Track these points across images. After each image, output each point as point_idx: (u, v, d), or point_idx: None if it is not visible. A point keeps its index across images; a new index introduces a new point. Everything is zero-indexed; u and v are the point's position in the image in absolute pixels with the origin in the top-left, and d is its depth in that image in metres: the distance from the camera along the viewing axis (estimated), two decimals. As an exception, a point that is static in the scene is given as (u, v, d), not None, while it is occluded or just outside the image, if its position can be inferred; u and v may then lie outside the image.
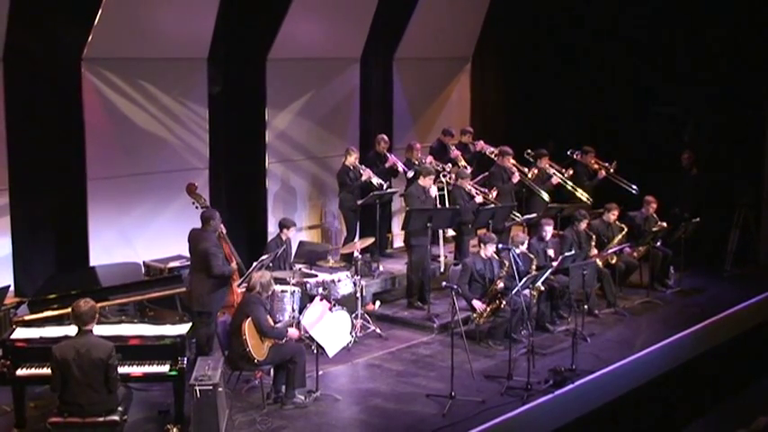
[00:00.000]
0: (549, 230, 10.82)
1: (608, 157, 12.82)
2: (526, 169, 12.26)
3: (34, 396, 7.89)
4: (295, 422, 7.97)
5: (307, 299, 9.70)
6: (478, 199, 11.32)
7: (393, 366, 9.45)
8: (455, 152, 12.65)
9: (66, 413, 6.83)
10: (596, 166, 12.79)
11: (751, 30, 13.06)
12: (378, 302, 11.13)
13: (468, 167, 12.33)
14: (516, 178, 12.01)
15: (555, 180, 12.34)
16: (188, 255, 9.78)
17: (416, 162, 12.06)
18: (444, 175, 12.15)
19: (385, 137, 12.34)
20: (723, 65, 13.22)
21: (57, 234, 10.19)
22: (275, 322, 8.45)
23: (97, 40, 10.02)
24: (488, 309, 9.90)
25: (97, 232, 10.40)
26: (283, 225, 10.45)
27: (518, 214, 11.91)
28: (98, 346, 6.81)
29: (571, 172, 12.59)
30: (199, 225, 9.17)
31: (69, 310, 7.03)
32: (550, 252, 10.64)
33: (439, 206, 11.62)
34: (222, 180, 11.52)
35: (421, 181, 11.04)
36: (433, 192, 11.07)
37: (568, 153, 12.91)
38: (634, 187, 12.41)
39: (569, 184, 12.45)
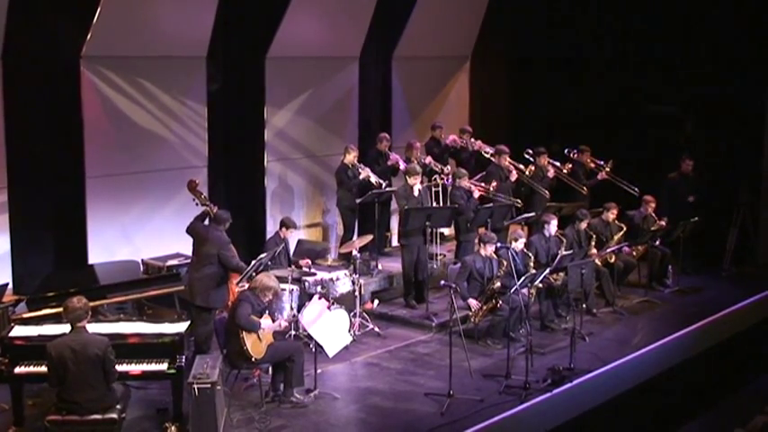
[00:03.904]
0: (553, 224, 10.81)
1: (606, 157, 12.85)
2: (523, 167, 12.28)
3: (32, 394, 7.89)
4: (293, 421, 7.97)
5: (305, 297, 9.71)
6: (476, 194, 11.33)
7: (391, 365, 9.45)
8: (450, 138, 12.80)
9: (65, 411, 6.83)
10: (592, 165, 12.82)
11: (750, 29, 13.06)
12: (376, 301, 11.14)
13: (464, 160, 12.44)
14: (514, 176, 12.02)
15: (551, 173, 12.37)
16: (186, 253, 9.81)
17: (415, 161, 12.08)
18: (442, 177, 12.17)
19: (387, 135, 12.39)
20: (722, 63, 13.22)
21: (55, 232, 10.20)
22: (273, 321, 8.45)
23: (96, 39, 10.02)
24: (484, 308, 9.91)
25: (96, 230, 10.40)
26: (284, 224, 10.48)
27: (519, 205, 11.89)
28: (93, 341, 6.82)
29: (570, 166, 12.63)
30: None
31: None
32: (555, 251, 10.61)
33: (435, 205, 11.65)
34: (221, 178, 11.53)
35: (409, 180, 11.05)
36: (416, 190, 11.03)
37: (565, 152, 12.94)
38: (635, 189, 12.41)
39: (565, 178, 12.49)
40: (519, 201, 11.88)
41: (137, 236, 10.82)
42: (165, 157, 11.09)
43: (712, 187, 13.02)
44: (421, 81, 14.15)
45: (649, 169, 13.23)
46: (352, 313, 9.99)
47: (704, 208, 12.61)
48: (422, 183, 11.18)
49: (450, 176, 11.90)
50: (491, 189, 11.52)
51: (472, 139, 12.94)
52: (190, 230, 9.22)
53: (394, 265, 11.87)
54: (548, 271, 9.99)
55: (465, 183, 11.39)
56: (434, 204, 11.81)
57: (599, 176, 12.69)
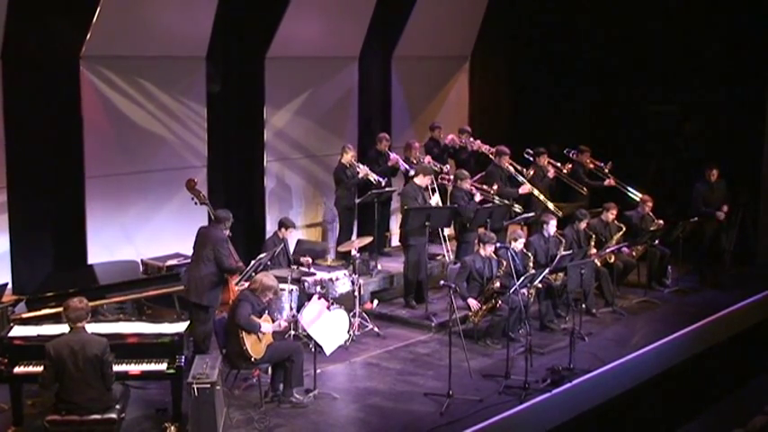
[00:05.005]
0: (552, 224, 10.82)
1: (606, 157, 12.87)
2: (523, 169, 12.27)
3: (32, 394, 7.87)
4: (292, 421, 7.97)
5: (305, 297, 9.71)
6: (478, 197, 11.33)
7: (391, 365, 9.45)
8: (449, 137, 12.84)
9: (64, 411, 6.84)
10: (592, 166, 12.83)
11: (750, 29, 13.06)
12: (376, 301, 11.13)
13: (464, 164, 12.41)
14: (526, 190, 11.94)
15: (552, 173, 12.37)
16: (186, 253, 9.81)
17: (415, 161, 12.09)
18: (443, 177, 12.17)
19: (387, 135, 12.39)
20: (722, 63, 13.23)
21: (55, 232, 10.20)
22: (273, 321, 8.46)
23: (96, 38, 10.02)
24: (484, 308, 9.92)
25: (95, 230, 10.40)
26: (283, 224, 10.51)
27: (518, 209, 11.89)
28: (92, 342, 6.83)
29: (570, 166, 12.64)
30: (198, 222, 9.21)
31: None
32: (554, 251, 10.61)
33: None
34: (220, 178, 11.53)
35: (418, 180, 11.05)
36: (435, 199, 11.04)
37: (565, 152, 12.94)
38: (636, 194, 12.40)
39: (565, 178, 12.51)
40: (519, 207, 11.88)
41: (136, 236, 10.81)
42: (164, 157, 11.09)
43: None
44: (420, 81, 14.15)
45: (649, 170, 13.23)
46: (351, 313, 9.99)
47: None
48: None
49: (451, 177, 11.88)
50: (492, 192, 11.51)
51: (471, 139, 12.96)
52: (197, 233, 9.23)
53: (394, 265, 11.87)
54: (547, 271, 9.99)
55: (466, 185, 11.38)
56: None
57: (605, 183, 12.69)
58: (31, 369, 7.32)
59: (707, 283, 12.32)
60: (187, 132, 11.31)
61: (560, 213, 11.83)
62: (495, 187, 11.61)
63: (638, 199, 12.33)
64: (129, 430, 7.54)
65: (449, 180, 11.95)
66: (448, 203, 11.50)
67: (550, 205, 12.01)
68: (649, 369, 9.80)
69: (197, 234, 9.16)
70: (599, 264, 11.14)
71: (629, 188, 12.56)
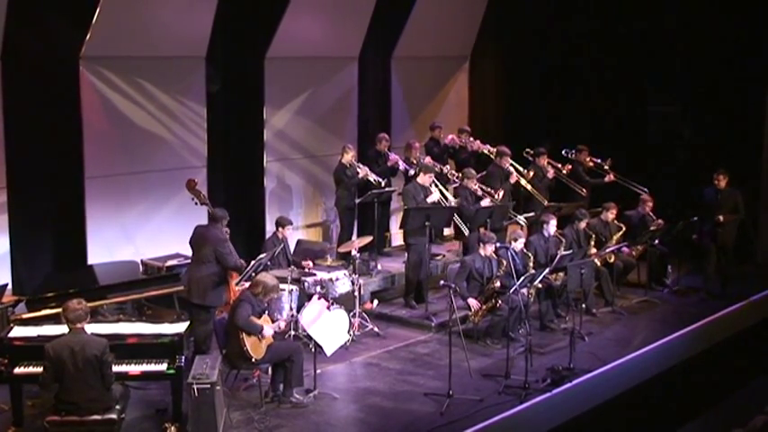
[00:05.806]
0: (552, 224, 10.82)
1: (604, 157, 12.87)
2: (524, 170, 12.26)
3: (32, 395, 7.87)
4: (293, 421, 7.98)
5: (305, 297, 9.71)
6: (485, 201, 11.30)
7: (391, 365, 9.45)
8: (449, 137, 12.85)
9: (64, 412, 6.84)
10: (591, 164, 12.83)
11: (749, 29, 13.06)
12: (376, 301, 11.13)
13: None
14: (514, 179, 12.00)
15: (551, 174, 12.37)
16: (186, 253, 9.82)
17: (415, 161, 12.09)
18: (451, 174, 12.17)
19: (386, 135, 12.40)
20: (721, 63, 13.22)
21: (55, 232, 10.20)
22: (273, 321, 8.45)
23: (95, 39, 10.02)
24: (484, 307, 9.92)
25: (95, 231, 10.41)
26: (279, 223, 10.52)
27: (515, 213, 11.91)
28: (92, 342, 6.84)
29: (569, 167, 12.63)
30: (198, 222, 9.21)
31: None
32: (554, 251, 10.61)
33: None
34: (220, 178, 11.53)
35: (420, 179, 11.04)
36: (435, 196, 11.02)
37: (563, 152, 12.94)
38: (644, 189, 12.39)
39: (565, 179, 12.50)
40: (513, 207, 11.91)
41: (136, 236, 10.82)
42: (164, 157, 11.09)
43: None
44: (420, 81, 14.15)
45: (648, 170, 13.23)
46: (351, 313, 9.99)
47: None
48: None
49: (458, 175, 11.87)
50: (497, 197, 11.50)
51: (471, 138, 12.96)
52: (193, 232, 9.22)
53: (394, 265, 11.88)
54: (547, 271, 9.99)
55: (472, 184, 11.37)
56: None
57: (606, 179, 12.68)
58: (31, 370, 7.32)
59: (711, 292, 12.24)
60: (187, 132, 11.31)
61: (545, 202, 11.89)
62: (502, 194, 11.60)
63: (642, 193, 12.29)
64: (129, 431, 7.54)
65: (457, 178, 11.93)
66: (451, 201, 11.49)
67: (540, 197, 12.06)
68: (649, 369, 9.80)
69: (193, 234, 9.14)
70: (599, 263, 11.14)
71: (632, 183, 12.52)
